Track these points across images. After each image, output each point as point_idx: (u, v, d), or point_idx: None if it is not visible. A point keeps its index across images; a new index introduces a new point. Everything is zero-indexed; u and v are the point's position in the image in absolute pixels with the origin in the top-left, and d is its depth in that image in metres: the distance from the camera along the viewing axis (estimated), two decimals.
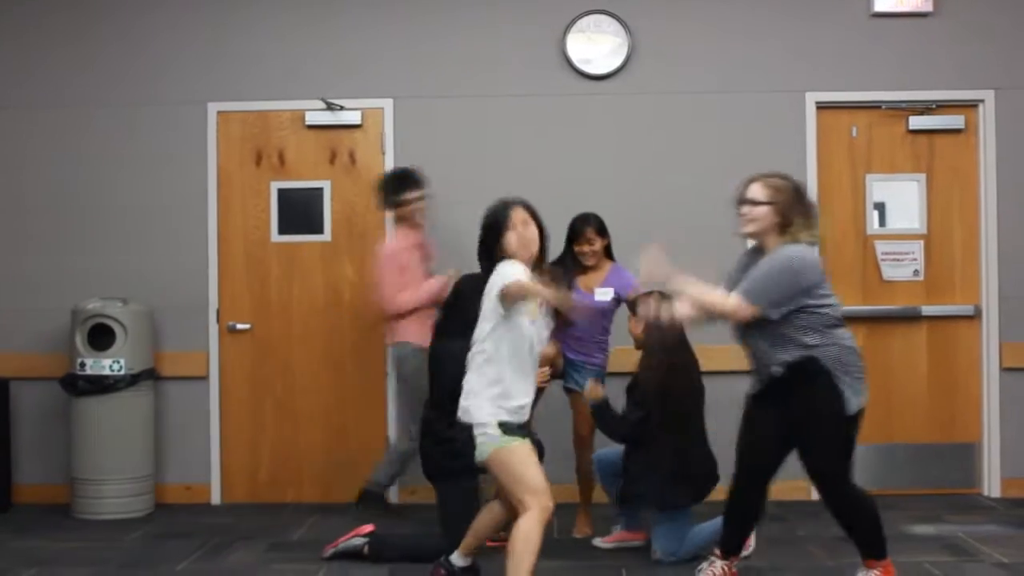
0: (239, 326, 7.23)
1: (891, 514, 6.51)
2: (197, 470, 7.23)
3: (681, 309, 4.81)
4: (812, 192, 7.01)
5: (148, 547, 6.15)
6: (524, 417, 4.69)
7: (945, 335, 7.19)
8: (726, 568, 5.14)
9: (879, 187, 7.23)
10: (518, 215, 4.71)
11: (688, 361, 5.70)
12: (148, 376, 6.94)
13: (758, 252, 4.95)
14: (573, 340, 6.09)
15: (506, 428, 4.56)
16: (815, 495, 6.94)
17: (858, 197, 7.22)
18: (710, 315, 4.83)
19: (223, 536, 6.33)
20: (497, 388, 4.59)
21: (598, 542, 6.00)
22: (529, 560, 4.47)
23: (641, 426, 5.59)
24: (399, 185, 6.64)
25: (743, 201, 4.90)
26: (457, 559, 5.10)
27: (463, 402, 4.66)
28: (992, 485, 7.11)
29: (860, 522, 4.96)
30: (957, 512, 6.64)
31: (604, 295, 6.10)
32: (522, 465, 4.57)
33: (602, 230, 6.17)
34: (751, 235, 4.94)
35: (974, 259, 7.18)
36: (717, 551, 5.20)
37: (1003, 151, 7.12)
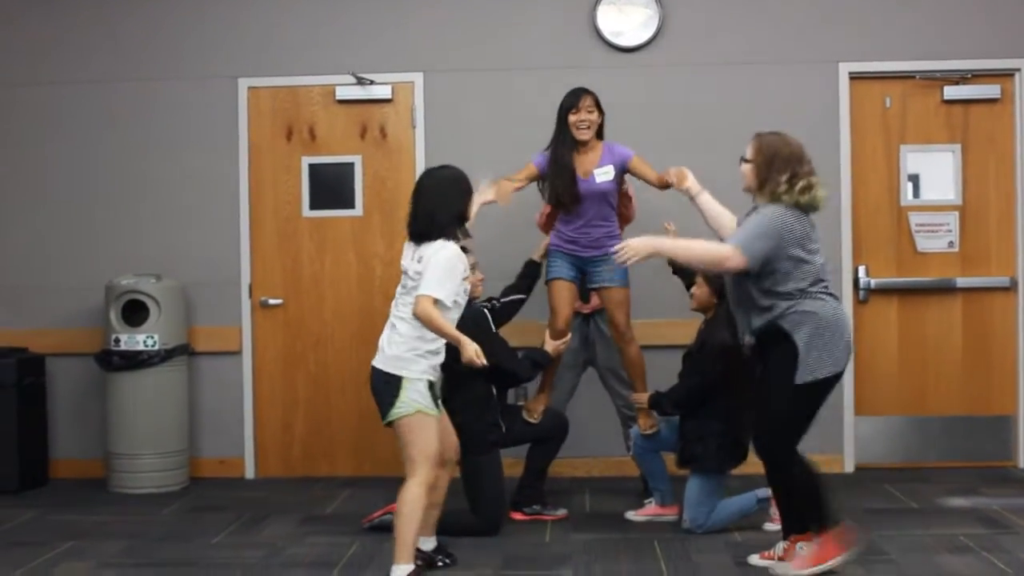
0: (271, 301, 7.25)
1: (925, 487, 6.53)
2: (231, 444, 7.28)
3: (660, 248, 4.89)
4: (847, 164, 7.01)
5: (183, 520, 6.20)
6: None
7: (980, 307, 7.12)
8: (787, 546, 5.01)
9: (913, 158, 7.16)
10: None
11: None
12: (182, 351, 6.98)
13: (754, 210, 4.94)
14: (585, 239, 5.87)
15: (432, 391, 4.74)
16: (847, 467, 6.97)
17: (892, 168, 7.15)
18: (704, 263, 4.98)
19: (257, 509, 6.37)
20: (432, 344, 4.73)
21: (631, 515, 6.00)
22: (412, 526, 4.67)
23: (698, 391, 5.60)
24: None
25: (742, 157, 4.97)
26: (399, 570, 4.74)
27: (392, 350, 4.74)
28: None
29: (800, 499, 4.83)
30: (992, 484, 6.59)
31: (605, 175, 5.83)
32: (429, 432, 4.69)
33: (599, 104, 5.96)
34: (746, 191, 4.96)
35: (1010, 230, 7.10)
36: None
37: None
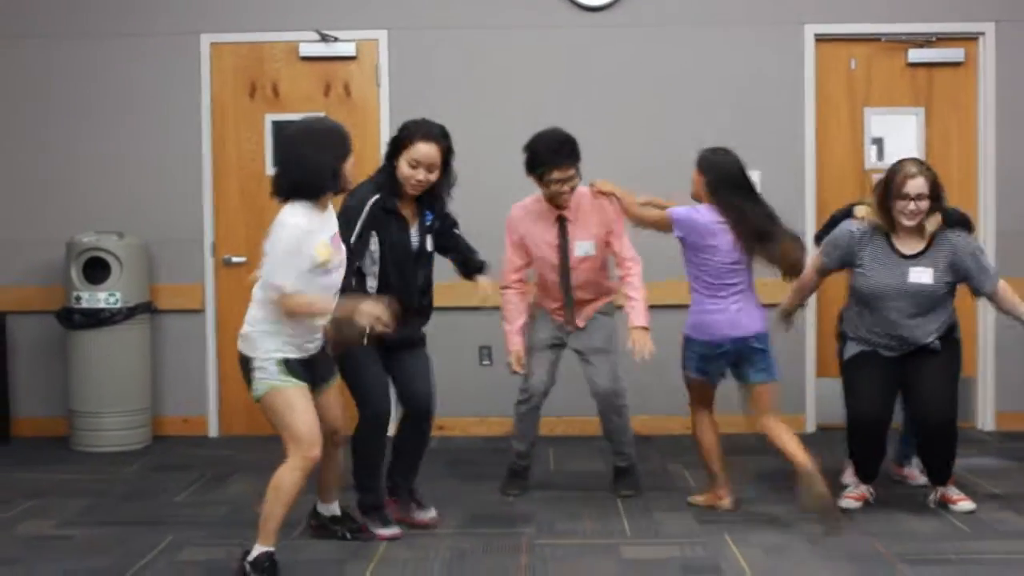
0: (235, 259, 7.21)
1: (887, 447, 6.56)
2: (194, 403, 7.26)
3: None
4: (811, 126, 7.04)
5: (146, 479, 6.19)
6: (315, 349, 4.53)
7: None
8: (870, 491, 5.49)
9: (877, 121, 7.18)
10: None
11: None
12: (144, 309, 6.95)
13: (876, 235, 5.24)
14: None
15: (289, 367, 4.40)
16: (809, 427, 7.02)
17: (856, 131, 7.18)
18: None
19: (221, 468, 6.37)
20: (286, 327, 4.38)
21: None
22: (280, 510, 4.38)
23: None
24: (540, 159, 5.37)
25: (911, 197, 5.08)
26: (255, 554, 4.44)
27: (244, 328, 4.44)
28: (986, 419, 7.16)
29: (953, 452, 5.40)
30: None
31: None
32: (291, 410, 4.36)
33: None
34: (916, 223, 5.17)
35: (972, 194, 7.14)
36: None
37: (1003, 85, 7.08)
